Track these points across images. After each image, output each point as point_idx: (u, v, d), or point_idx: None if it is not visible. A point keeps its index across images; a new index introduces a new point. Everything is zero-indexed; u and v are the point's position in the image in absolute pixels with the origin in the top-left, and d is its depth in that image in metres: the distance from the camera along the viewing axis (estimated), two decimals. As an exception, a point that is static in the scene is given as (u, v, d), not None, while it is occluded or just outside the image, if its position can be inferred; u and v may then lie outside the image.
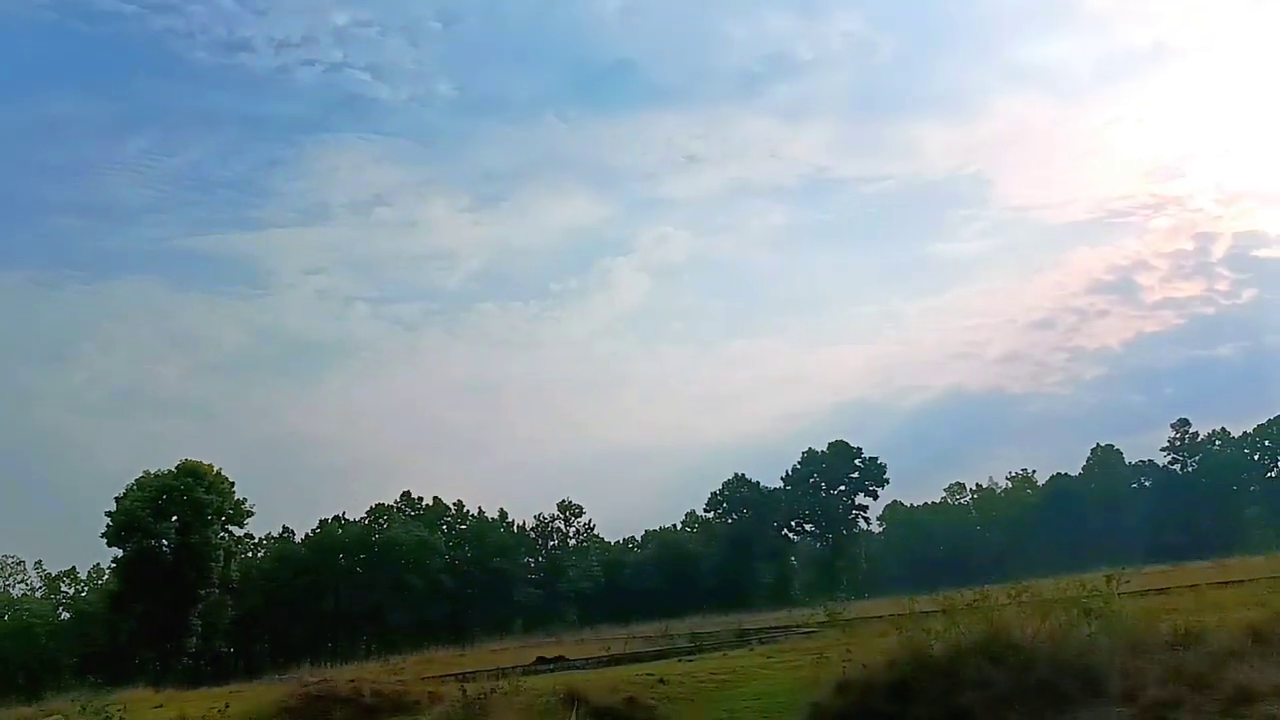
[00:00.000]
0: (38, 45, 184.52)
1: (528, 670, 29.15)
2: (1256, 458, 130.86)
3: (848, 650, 19.21)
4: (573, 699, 19.62)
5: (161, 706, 29.44)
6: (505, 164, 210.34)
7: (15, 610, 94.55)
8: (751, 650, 30.40)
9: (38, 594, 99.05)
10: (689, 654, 31.46)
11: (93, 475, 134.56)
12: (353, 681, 22.03)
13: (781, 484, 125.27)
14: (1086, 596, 18.69)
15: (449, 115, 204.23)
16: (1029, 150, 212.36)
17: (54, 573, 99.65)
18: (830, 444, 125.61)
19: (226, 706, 21.62)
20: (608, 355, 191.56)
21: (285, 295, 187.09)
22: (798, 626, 38.24)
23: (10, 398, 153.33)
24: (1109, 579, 19.12)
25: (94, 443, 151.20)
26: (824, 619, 36.69)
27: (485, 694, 19.79)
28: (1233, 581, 34.35)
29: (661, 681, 22.52)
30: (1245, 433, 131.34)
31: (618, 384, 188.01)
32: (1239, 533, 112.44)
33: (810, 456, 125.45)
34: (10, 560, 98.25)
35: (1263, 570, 40.50)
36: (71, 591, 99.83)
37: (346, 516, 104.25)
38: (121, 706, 24.99)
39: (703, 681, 23.05)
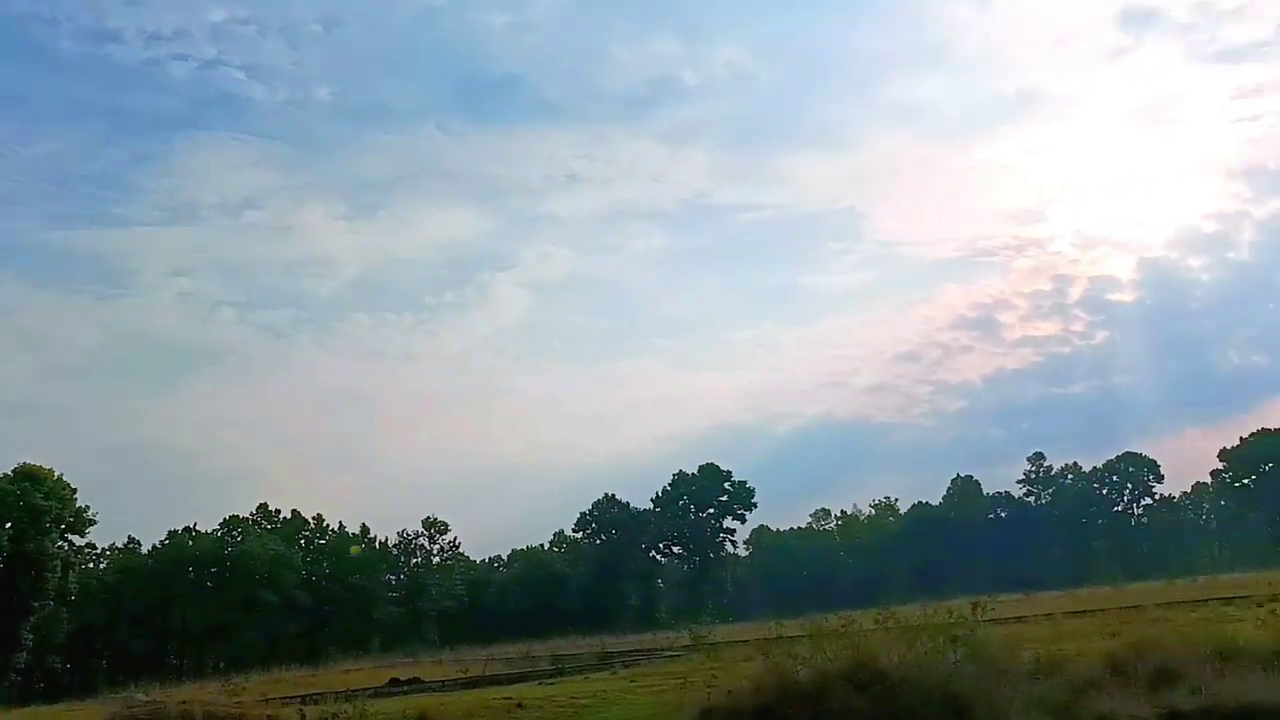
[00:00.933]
0: None
1: (379, 692, 27.80)
2: (1105, 492, 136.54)
3: (713, 675, 18.62)
4: (423, 724, 18.52)
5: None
6: (384, 172, 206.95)
7: None
8: (614, 674, 29.67)
9: None
10: (550, 677, 30.54)
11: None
12: (184, 703, 20.33)
13: (651, 505, 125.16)
14: (951, 623, 18.48)
15: (327, 120, 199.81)
16: (902, 187, 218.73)
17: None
18: (700, 466, 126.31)
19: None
20: (484, 371, 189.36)
21: (147, 296, 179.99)
22: (662, 650, 37.72)
23: None
24: (974, 606, 19.00)
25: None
26: (689, 642, 36.40)
27: (328, 718, 18.53)
28: (1085, 611, 35.15)
29: (520, 706, 21.59)
30: (1095, 467, 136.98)
31: (493, 400, 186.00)
32: (1087, 564, 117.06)
33: (681, 479, 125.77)
34: None
35: (1112, 601, 41.79)
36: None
37: (198, 528, 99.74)
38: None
39: (562, 706, 22.16)
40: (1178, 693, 16.45)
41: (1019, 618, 33.05)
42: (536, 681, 29.12)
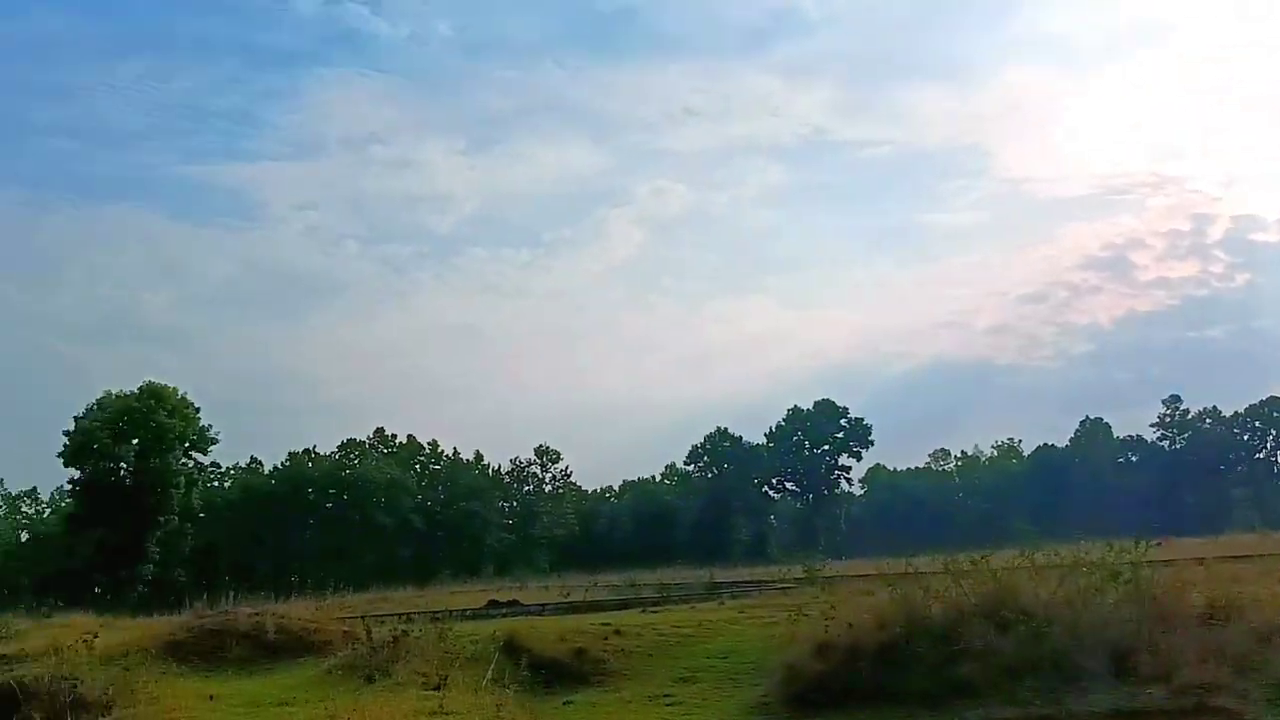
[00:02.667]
0: None
1: (475, 614, 26.64)
2: (1245, 438, 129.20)
3: (830, 607, 16.56)
4: (515, 648, 17.00)
5: (95, 635, 26.84)
6: (503, 107, 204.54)
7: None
8: (721, 604, 27.88)
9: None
10: (654, 605, 28.97)
11: (72, 398, 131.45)
12: (255, 614, 19.41)
13: (765, 440, 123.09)
14: (1110, 561, 16.10)
15: (447, 55, 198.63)
16: (1029, 122, 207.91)
17: (15, 493, 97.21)
18: (816, 402, 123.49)
19: (95, 636, 18.94)
20: (597, 306, 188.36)
21: (275, 229, 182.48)
22: (773, 582, 35.82)
23: None
24: (1137, 542, 16.57)
25: (77, 366, 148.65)
26: (801, 575, 34.37)
27: (398, 636, 17.18)
28: (1242, 556, 31.94)
29: (617, 633, 19.99)
30: (1236, 412, 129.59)
31: (605, 335, 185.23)
32: (1223, 512, 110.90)
33: (795, 414, 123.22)
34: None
35: (1262, 548, 38.22)
36: (32, 512, 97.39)
37: (318, 450, 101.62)
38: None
39: (664, 634, 20.50)
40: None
41: (1166, 561, 30.13)
42: (640, 609, 27.57)
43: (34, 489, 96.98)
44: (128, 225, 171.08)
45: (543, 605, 29.12)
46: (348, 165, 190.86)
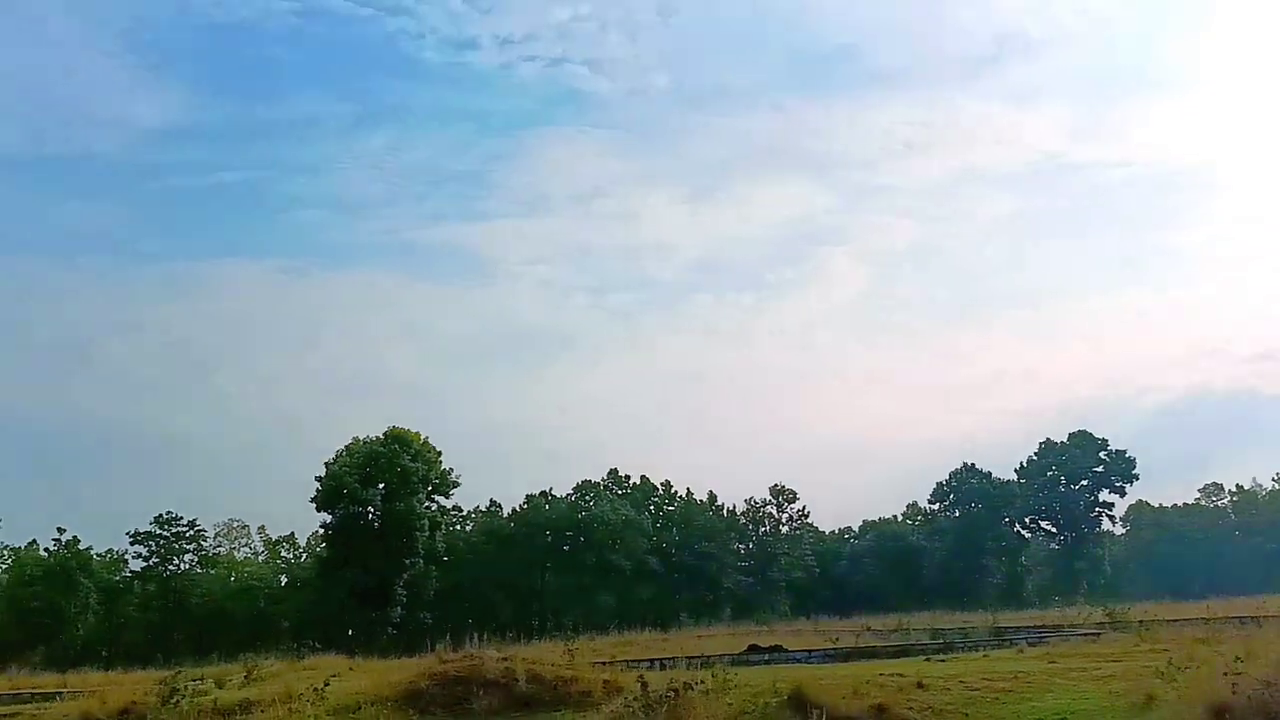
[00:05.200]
0: (284, 49, 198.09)
1: (737, 659, 23.83)
2: None
3: (1237, 660, 12.80)
4: (802, 703, 14.06)
5: (338, 676, 25.79)
6: (722, 154, 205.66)
7: (240, 572, 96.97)
8: (1021, 652, 24.05)
9: (260, 558, 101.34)
10: (937, 652, 25.39)
11: (328, 449, 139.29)
12: (505, 659, 17.20)
13: (1014, 476, 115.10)
14: None
15: (666, 107, 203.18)
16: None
17: (275, 537, 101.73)
18: (1071, 434, 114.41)
19: (325, 685, 17.25)
20: (823, 346, 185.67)
21: (508, 285, 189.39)
22: (1071, 626, 31.31)
23: (257, 379, 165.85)
24: None
25: (329, 421, 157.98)
26: (1102, 619, 29.99)
27: (679, 689, 14.50)
28: None
29: (920, 685, 16.73)
30: None
31: (832, 375, 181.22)
32: None
33: (1048, 448, 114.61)
34: (236, 524, 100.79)
35: None
36: (290, 556, 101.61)
37: (554, 493, 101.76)
38: (253, 668, 21.60)
39: (974, 689, 17.11)
40: None
41: None
42: (922, 657, 24.14)
43: (291, 534, 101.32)
44: (373, 287, 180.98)
45: (809, 651, 25.99)
46: (574, 219, 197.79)
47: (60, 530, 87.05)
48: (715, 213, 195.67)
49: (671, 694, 14.26)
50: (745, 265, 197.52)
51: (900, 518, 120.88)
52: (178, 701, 17.94)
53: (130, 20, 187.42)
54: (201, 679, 23.01)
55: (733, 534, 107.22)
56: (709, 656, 23.54)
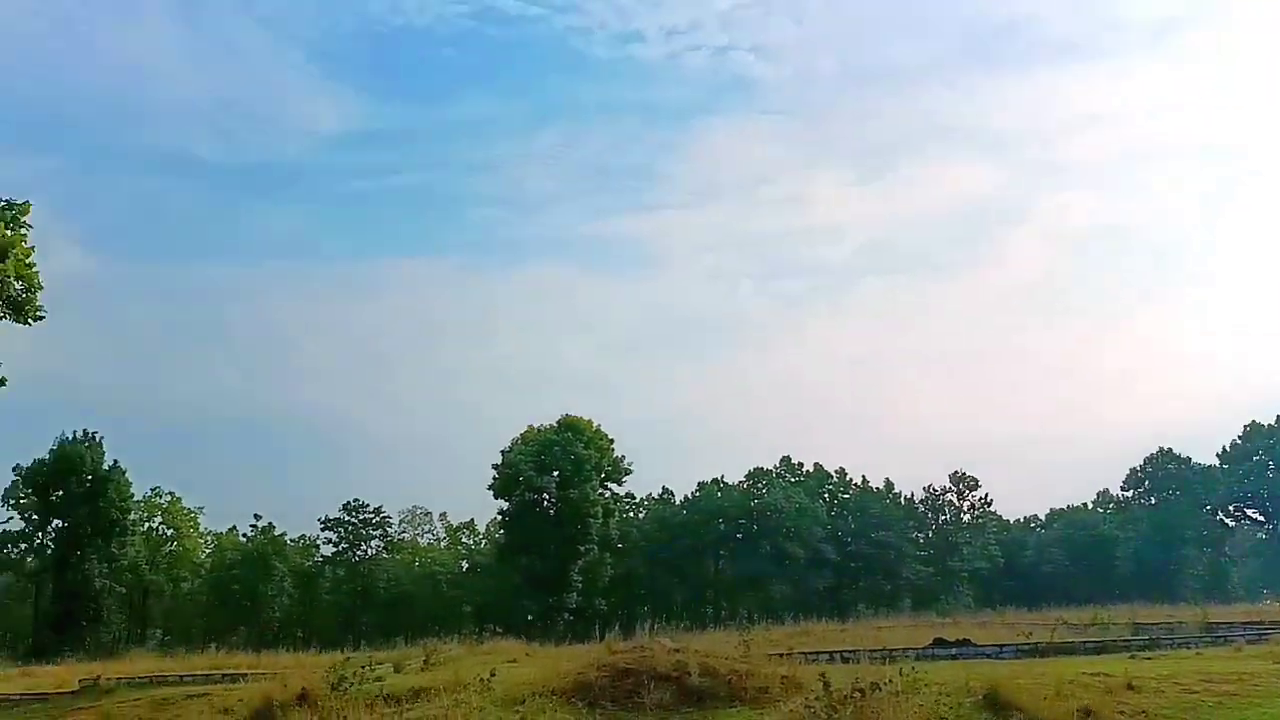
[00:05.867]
0: (458, 51, 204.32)
1: (922, 654, 22.49)
2: None
3: None
4: (999, 705, 12.85)
5: (514, 662, 25.79)
6: (891, 135, 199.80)
7: (423, 558, 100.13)
8: (1239, 650, 21.90)
9: (442, 544, 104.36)
10: (1141, 649, 23.42)
11: (501, 440, 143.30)
12: (677, 651, 16.46)
13: (1217, 462, 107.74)
14: None
15: (833, 89, 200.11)
16: None
17: (456, 524, 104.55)
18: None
19: (492, 674, 16.89)
20: (1000, 328, 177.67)
21: (678, 274, 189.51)
22: (1294, 623, 28.59)
23: (438, 372, 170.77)
24: None
25: (507, 412, 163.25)
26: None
27: (864, 689, 13.45)
28: None
29: (1130, 687, 15.21)
30: None
31: (1011, 357, 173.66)
32: None
33: (1254, 430, 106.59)
34: (420, 511, 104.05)
35: None
36: (470, 542, 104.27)
37: (725, 480, 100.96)
38: (432, 652, 21.67)
39: (1193, 691, 15.50)
40: None
41: None
42: (1126, 654, 22.22)
43: (471, 521, 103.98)
44: (547, 281, 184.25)
45: (999, 646, 24.40)
46: (741, 207, 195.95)
47: (257, 517, 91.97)
48: (884, 194, 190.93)
49: (857, 694, 13.25)
50: (916, 247, 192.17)
51: (1090, 505, 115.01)
52: (346, 689, 18.00)
53: (316, 32, 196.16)
54: (379, 663, 23.22)
55: (911, 522, 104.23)
56: (891, 650, 22.32)
